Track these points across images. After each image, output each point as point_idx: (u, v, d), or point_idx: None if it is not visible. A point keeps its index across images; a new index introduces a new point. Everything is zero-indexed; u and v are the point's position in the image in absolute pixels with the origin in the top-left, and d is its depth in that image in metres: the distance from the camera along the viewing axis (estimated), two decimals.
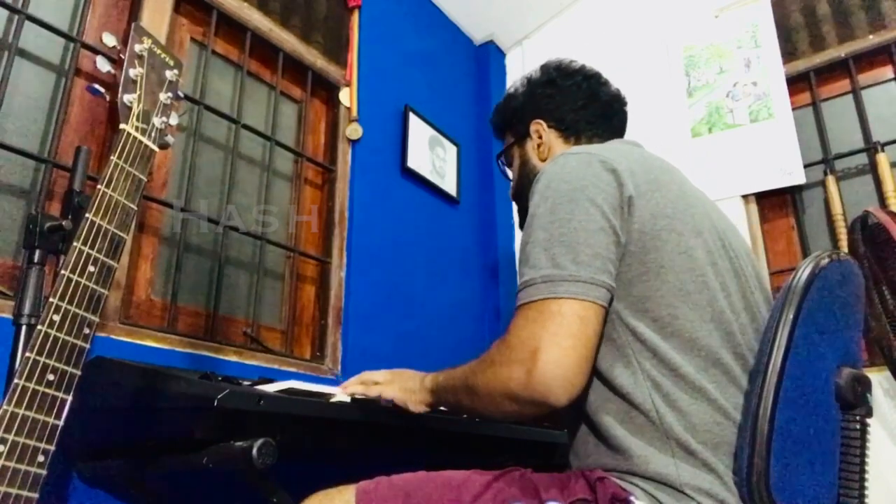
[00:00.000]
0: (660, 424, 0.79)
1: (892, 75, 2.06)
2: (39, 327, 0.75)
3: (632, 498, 0.77)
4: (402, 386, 1.00)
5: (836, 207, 1.98)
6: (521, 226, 1.16)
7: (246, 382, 0.97)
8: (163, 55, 0.99)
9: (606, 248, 0.81)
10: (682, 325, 0.81)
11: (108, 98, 0.93)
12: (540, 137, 1.16)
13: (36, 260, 0.91)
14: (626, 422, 0.82)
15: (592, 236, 0.81)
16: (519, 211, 1.23)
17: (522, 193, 1.17)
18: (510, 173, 1.26)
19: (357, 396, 1.02)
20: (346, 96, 2.11)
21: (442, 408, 0.97)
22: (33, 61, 1.40)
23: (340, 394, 1.01)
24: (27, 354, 0.73)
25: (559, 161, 0.90)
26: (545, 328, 0.76)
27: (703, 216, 0.90)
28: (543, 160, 1.15)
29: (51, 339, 0.75)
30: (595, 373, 0.85)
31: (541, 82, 1.19)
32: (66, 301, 0.77)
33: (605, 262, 0.80)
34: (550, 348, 0.75)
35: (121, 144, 0.88)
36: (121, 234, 0.85)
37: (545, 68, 1.20)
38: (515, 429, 1.29)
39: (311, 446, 0.96)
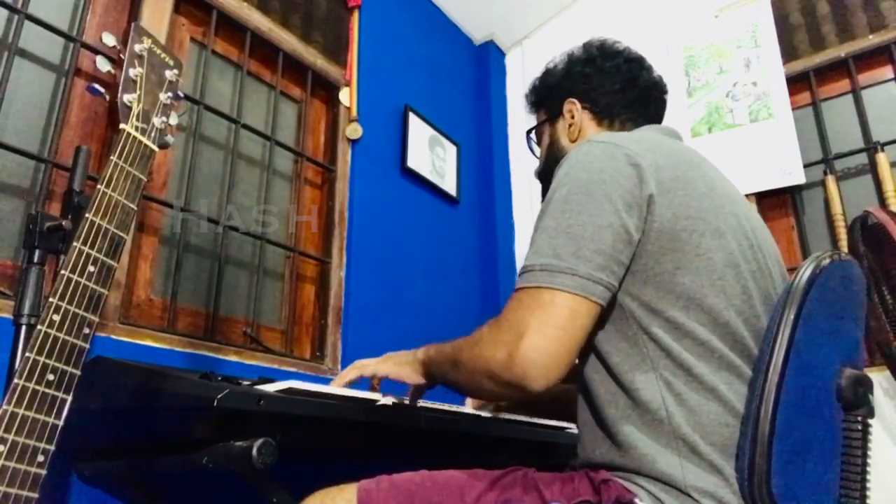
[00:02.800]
0: (668, 423, 0.79)
1: (891, 75, 2.06)
2: (39, 327, 0.75)
3: (636, 500, 0.77)
4: (396, 361, 1.01)
5: (836, 207, 1.98)
6: None
7: (246, 382, 0.97)
8: (162, 55, 0.99)
9: (613, 246, 0.80)
10: (695, 328, 0.81)
11: (107, 98, 0.93)
12: (573, 118, 1.13)
13: (36, 260, 0.91)
14: (634, 418, 0.81)
15: (600, 232, 0.80)
16: (542, 191, 1.20)
17: (548, 173, 1.13)
18: (538, 151, 1.23)
19: (353, 379, 1.02)
20: (346, 96, 2.11)
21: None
22: (33, 61, 1.40)
23: (338, 387, 1.00)
24: (27, 354, 0.73)
25: (583, 148, 0.88)
26: (534, 315, 0.77)
27: (729, 215, 0.88)
28: (573, 141, 1.12)
29: (51, 338, 0.75)
30: (607, 368, 0.85)
31: (580, 60, 1.15)
32: (65, 301, 0.77)
33: (608, 259, 0.79)
34: (535, 335, 0.76)
35: (121, 144, 0.88)
36: (121, 233, 0.85)
37: (587, 46, 1.16)
38: (516, 429, 1.28)
39: (311, 446, 0.96)
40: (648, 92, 1.13)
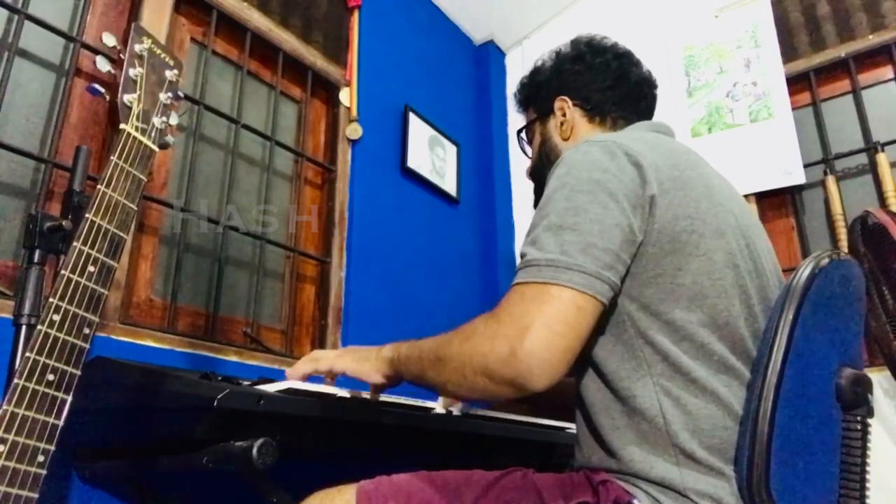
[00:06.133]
0: (665, 431, 0.78)
1: (892, 75, 2.06)
2: (39, 327, 0.75)
3: (635, 501, 0.76)
4: (355, 356, 0.95)
5: (836, 207, 1.98)
6: (536, 206, 1.14)
7: (246, 382, 0.97)
8: (163, 55, 0.99)
9: (619, 245, 0.78)
10: (695, 330, 0.80)
11: (108, 98, 0.93)
12: (564, 115, 1.11)
13: (36, 260, 0.91)
14: (629, 428, 0.80)
15: (607, 231, 0.78)
16: (535, 190, 1.19)
17: (540, 172, 1.13)
18: (529, 150, 1.21)
19: (308, 373, 0.96)
20: (346, 96, 2.11)
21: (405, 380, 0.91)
22: (33, 61, 1.40)
23: (292, 381, 0.94)
24: (27, 354, 0.73)
25: (582, 148, 0.87)
26: (541, 310, 0.73)
27: (727, 214, 0.87)
28: (566, 139, 1.11)
29: (51, 338, 0.75)
30: (602, 376, 0.84)
31: (570, 58, 1.14)
32: (66, 301, 0.77)
33: (614, 259, 0.78)
34: (541, 330, 0.72)
35: (121, 144, 0.88)
36: (121, 233, 0.85)
37: (576, 43, 1.15)
38: (515, 429, 1.28)
39: (311, 446, 0.96)
40: (639, 88, 1.12)
